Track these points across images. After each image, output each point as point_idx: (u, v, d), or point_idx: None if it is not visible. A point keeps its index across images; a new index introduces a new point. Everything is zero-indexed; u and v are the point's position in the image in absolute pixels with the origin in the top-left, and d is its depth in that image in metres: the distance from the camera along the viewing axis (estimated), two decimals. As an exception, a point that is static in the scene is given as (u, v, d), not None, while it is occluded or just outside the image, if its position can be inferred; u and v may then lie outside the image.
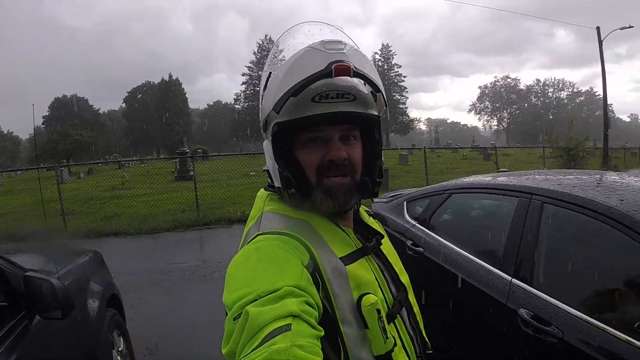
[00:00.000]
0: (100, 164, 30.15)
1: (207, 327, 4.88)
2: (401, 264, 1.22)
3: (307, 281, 0.87)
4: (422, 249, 3.34)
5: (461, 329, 2.84)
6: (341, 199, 1.02)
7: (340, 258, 0.99)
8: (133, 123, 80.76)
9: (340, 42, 0.97)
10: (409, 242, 3.49)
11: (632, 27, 26.73)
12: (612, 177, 2.89)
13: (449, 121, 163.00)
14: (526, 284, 2.39)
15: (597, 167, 21.20)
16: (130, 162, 29.72)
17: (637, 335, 1.87)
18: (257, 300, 0.79)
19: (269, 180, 1.14)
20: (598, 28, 25.94)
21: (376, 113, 1.07)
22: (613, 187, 2.53)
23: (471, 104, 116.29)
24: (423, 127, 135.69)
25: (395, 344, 1.00)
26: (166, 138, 72.72)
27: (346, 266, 0.99)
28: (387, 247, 1.20)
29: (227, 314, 0.84)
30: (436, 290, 2.98)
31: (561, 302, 2.19)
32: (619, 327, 1.96)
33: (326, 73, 0.92)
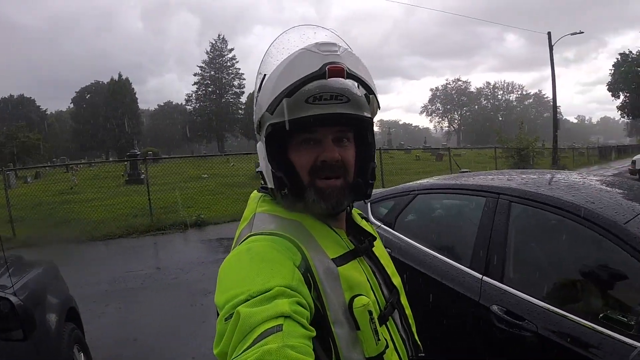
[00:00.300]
0: (47, 168, 28.80)
1: (168, 337, 4.79)
2: (393, 266, 1.22)
3: (299, 281, 0.87)
4: (389, 250, 3.32)
5: (436, 328, 2.85)
6: (334, 201, 1.02)
7: (332, 259, 0.99)
8: (81, 124, 78.17)
9: (334, 44, 0.99)
10: (375, 244, 3.48)
11: (583, 32, 28.05)
12: (574, 176, 3.02)
13: (401, 123, 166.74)
14: (497, 280, 2.43)
15: (547, 166, 22.10)
16: (79, 166, 28.56)
17: (603, 324, 1.99)
18: (248, 300, 0.79)
19: (262, 181, 1.15)
20: (549, 33, 27.18)
21: (369, 115, 1.09)
22: (577, 187, 2.67)
23: (423, 105, 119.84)
24: (376, 128, 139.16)
25: (387, 346, 1.00)
26: (116, 140, 70.42)
27: (338, 267, 0.99)
28: (379, 249, 1.20)
29: (218, 314, 0.84)
30: (407, 291, 2.95)
31: (533, 297, 2.25)
32: (587, 317, 2.05)
33: (320, 74, 0.93)
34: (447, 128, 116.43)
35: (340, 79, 0.97)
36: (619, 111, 47.08)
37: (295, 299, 0.81)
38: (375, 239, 1.19)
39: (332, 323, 0.93)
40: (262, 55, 1.14)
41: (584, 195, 2.47)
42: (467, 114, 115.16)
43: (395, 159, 24.69)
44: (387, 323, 1.07)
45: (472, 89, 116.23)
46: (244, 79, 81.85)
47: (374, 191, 4.37)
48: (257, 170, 1.14)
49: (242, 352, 0.71)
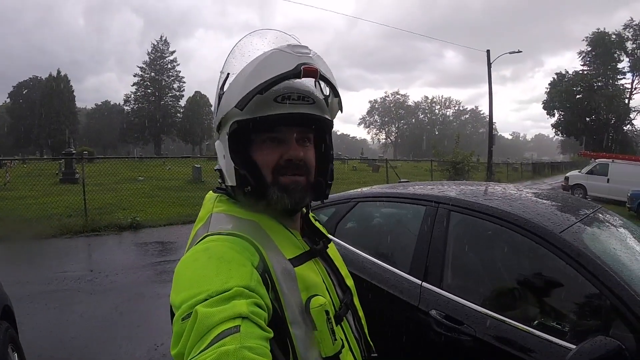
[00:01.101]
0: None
1: (103, 340, 4.71)
2: (346, 268, 1.24)
3: (257, 282, 0.87)
4: None
5: (376, 333, 2.90)
6: (297, 196, 1.03)
7: (289, 260, 1.01)
8: (17, 120, 74.88)
9: (306, 46, 1.02)
10: (318, 249, 3.50)
11: (521, 52, 29.47)
12: (510, 189, 3.19)
13: (339, 133, 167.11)
14: (436, 286, 2.49)
15: (482, 180, 22.87)
16: (13, 162, 26.97)
17: (539, 328, 2.11)
18: (207, 300, 0.78)
19: (219, 180, 1.15)
20: (488, 51, 28.36)
21: (330, 117, 1.12)
22: (513, 198, 2.82)
23: (361, 117, 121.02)
24: None
25: (342, 346, 1.02)
26: (51, 138, 67.28)
27: (295, 268, 1.00)
28: (332, 250, 1.22)
29: (173, 314, 0.84)
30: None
31: (471, 302, 2.33)
32: (524, 323, 2.15)
33: (295, 73, 0.95)
34: (384, 140, 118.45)
35: (305, 81, 1.01)
36: (554, 129, 49.50)
37: (253, 300, 0.81)
38: (329, 240, 1.21)
39: (290, 323, 0.94)
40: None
41: (520, 206, 2.61)
42: (405, 127, 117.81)
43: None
44: (342, 323, 1.08)
45: (410, 102, 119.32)
46: (184, 82, 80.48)
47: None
48: (215, 168, 1.15)
49: (199, 353, 0.71)
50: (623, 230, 2.89)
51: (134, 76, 78.59)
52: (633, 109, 45.28)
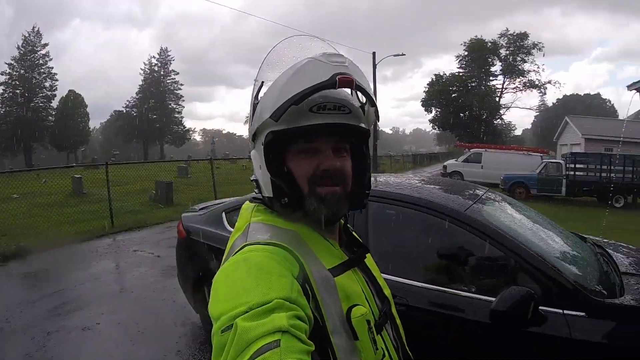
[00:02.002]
0: None
1: None
2: (383, 278, 1.23)
3: (298, 293, 0.86)
4: None
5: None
6: (334, 207, 1.02)
7: (328, 270, 1.00)
8: None
9: (342, 55, 1.01)
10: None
11: (404, 54, 31.46)
12: (413, 179, 3.86)
13: (224, 132, 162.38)
14: None
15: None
16: None
17: (463, 290, 2.65)
18: (247, 312, 0.77)
19: (255, 190, 1.14)
20: (374, 53, 29.84)
21: (366, 127, 1.10)
22: (418, 186, 3.37)
23: (247, 115, 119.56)
24: (198, 138, 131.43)
25: (384, 355, 1.03)
26: None
27: (335, 278, 0.99)
28: (369, 260, 1.21)
29: (211, 325, 0.82)
30: None
31: (400, 277, 2.74)
32: (450, 286, 2.68)
33: (330, 84, 0.94)
34: None
35: (342, 90, 1.00)
36: (431, 124, 53.55)
37: (293, 312, 0.80)
38: (367, 250, 1.20)
39: (331, 333, 0.93)
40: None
41: (426, 192, 3.10)
42: None
43: (222, 169, 24.01)
44: (382, 333, 1.08)
45: None
46: (57, 80, 67.17)
47: (228, 200, 4.49)
48: (251, 179, 1.13)
49: None
50: (507, 205, 3.56)
51: (1, 74, 63.55)
52: (503, 106, 51.10)
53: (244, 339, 0.73)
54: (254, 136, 1.09)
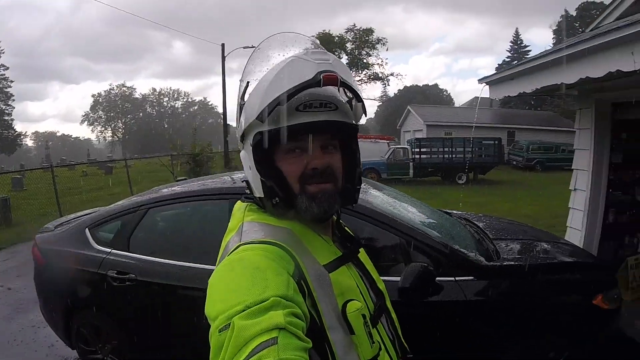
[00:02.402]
0: None
1: None
2: (376, 272, 1.23)
3: (294, 291, 0.86)
4: (134, 275, 3.12)
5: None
6: (326, 204, 1.01)
7: (323, 266, 1.00)
8: None
9: (326, 52, 1.01)
10: (112, 273, 3.18)
11: (255, 47, 30.98)
12: None
13: (59, 134, 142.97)
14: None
15: (221, 169, 23.44)
16: None
17: None
18: (244, 311, 0.77)
19: (246, 190, 1.13)
20: (223, 45, 28.66)
21: (354, 122, 1.09)
22: None
23: (84, 114, 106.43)
24: (30, 142, 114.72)
25: (380, 349, 1.03)
26: None
27: (330, 274, 1.00)
28: (363, 255, 1.22)
29: (207, 325, 0.82)
30: (171, 311, 3.07)
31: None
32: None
33: (315, 82, 0.93)
34: (110, 138, 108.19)
35: (328, 87, 0.98)
36: None
37: (290, 310, 0.79)
38: (360, 245, 1.21)
39: (328, 329, 0.93)
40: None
41: None
42: (132, 121, 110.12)
43: (61, 177, 20.84)
44: (377, 326, 1.09)
45: (138, 95, 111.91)
46: None
47: (86, 213, 3.96)
48: (242, 179, 1.13)
49: None
50: (378, 190, 3.67)
51: None
52: None
53: (242, 337, 0.73)
54: (242, 137, 1.09)
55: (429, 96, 74.71)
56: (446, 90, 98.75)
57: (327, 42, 48.04)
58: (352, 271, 1.10)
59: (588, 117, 5.03)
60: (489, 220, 4.39)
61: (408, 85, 76.96)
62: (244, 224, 1.05)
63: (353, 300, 1.00)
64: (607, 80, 3.62)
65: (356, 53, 48.74)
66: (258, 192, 1.04)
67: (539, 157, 26.68)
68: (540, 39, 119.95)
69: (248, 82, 1.09)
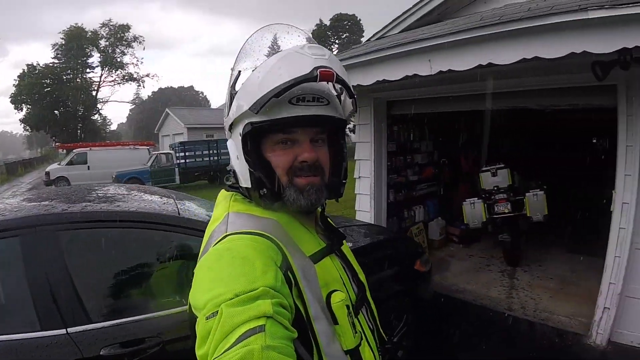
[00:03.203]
0: None
1: None
2: (358, 264, 1.25)
3: (282, 282, 0.87)
4: None
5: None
6: (313, 197, 1.03)
7: (308, 257, 1.03)
8: None
9: (322, 47, 1.01)
10: None
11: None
12: (112, 190, 3.01)
13: None
14: (87, 324, 2.08)
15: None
16: None
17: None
18: (233, 299, 0.78)
19: (232, 179, 1.13)
20: None
21: (343, 117, 1.10)
22: (115, 198, 2.70)
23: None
24: None
25: (361, 338, 1.05)
26: None
27: (315, 265, 1.02)
28: (345, 247, 1.24)
29: (190, 315, 0.86)
30: None
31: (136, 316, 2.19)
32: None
33: (312, 77, 0.94)
34: None
35: (322, 81, 0.97)
36: (23, 124, 45.66)
37: (278, 300, 0.81)
38: (344, 236, 1.22)
39: (313, 319, 0.94)
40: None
41: (128, 204, 2.57)
42: None
43: None
44: (358, 316, 1.11)
45: None
46: None
47: None
48: (228, 168, 1.13)
49: (224, 352, 0.71)
50: (186, 200, 3.19)
51: None
52: (100, 100, 48.13)
53: (229, 324, 0.74)
54: (231, 126, 1.09)
55: (184, 98, 73.65)
56: (202, 92, 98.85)
57: (78, 37, 43.40)
58: (335, 262, 1.13)
59: (367, 114, 5.84)
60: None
61: (163, 87, 74.31)
62: (230, 214, 1.05)
63: (337, 291, 1.02)
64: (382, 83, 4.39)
65: (110, 51, 45.25)
66: (245, 182, 1.05)
67: None
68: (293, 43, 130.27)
69: (240, 71, 1.08)
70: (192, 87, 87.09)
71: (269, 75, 0.96)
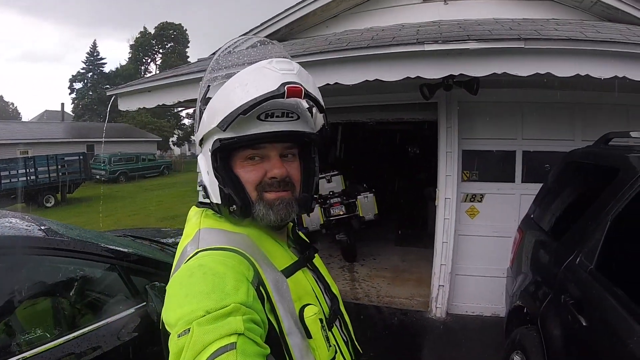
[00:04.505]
0: None
1: None
2: (330, 276, 1.24)
3: (254, 298, 0.87)
4: None
5: None
6: (282, 212, 1.03)
7: (280, 271, 1.02)
8: None
9: (290, 62, 0.99)
10: None
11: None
12: None
13: None
14: None
15: None
16: None
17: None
18: (204, 316, 0.78)
19: (202, 195, 1.11)
20: None
21: (314, 131, 1.09)
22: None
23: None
24: None
25: (336, 352, 1.05)
26: None
27: (287, 279, 1.01)
28: (317, 259, 1.22)
29: (164, 332, 0.84)
30: None
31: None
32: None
33: (279, 94, 0.93)
34: None
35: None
36: None
37: (249, 317, 0.81)
38: (316, 250, 1.22)
39: (287, 334, 0.93)
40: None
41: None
42: None
43: None
44: (332, 329, 1.10)
45: None
46: None
47: None
48: (199, 183, 1.11)
49: None
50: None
51: None
52: None
53: (201, 342, 0.75)
54: (201, 141, 1.08)
55: None
56: (13, 103, 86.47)
57: None
58: (307, 275, 1.13)
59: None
60: (151, 231, 4.43)
61: None
62: (201, 230, 1.04)
63: (310, 304, 1.02)
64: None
65: None
66: (215, 199, 1.04)
67: (122, 169, 27.07)
68: (116, 51, 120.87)
69: (209, 86, 1.08)
70: (1, 97, 75.71)
71: (236, 91, 0.96)
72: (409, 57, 3.57)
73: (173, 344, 0.77)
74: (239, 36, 1.20)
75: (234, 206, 1.01)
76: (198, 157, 1.11)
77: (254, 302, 0.86)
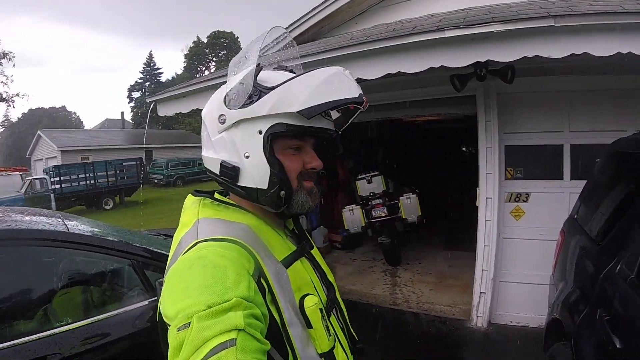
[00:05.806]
0: None
1: None
2: (326, 265, 1.26)
3: (255, 291, 0.85)
4: None
5: None
6: (317, 200, 1.10)
7: (280, 261, 1.02)
8: None
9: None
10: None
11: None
12: None
13: None
14: None
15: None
16: None
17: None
18: (205, 310, 0.76)
19: (222, 179, 1.07)
20: None
21: None
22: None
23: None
24: None
25: (335, 340, 1.05)
26: None
27: (287, 269, 1.01)
28: (314, 249, 1.25)
29: (162, 324, 0.85)
30: None
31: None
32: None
33: (360, 101, 1.01)
34: None
35: None
36: None
37: (250, 312, 0.80)
38: (312, 245, 1.24)
39: (288, 325, 0.93)
40: None
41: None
42: None
43: None
44: (330, 318, 1.10)
45: None
46: None
47: None
48: (222, 163, 1.05)
49: None
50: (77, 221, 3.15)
51: None
52: None
53: (200, 337, 0.73)
54: (239, 121, 1.02)
55: (56, 119, 67.17)
56: (75, 113, 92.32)
57: None
58: (306, 265, 1.13)
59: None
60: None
61: (33, 107, 67.55)
62: (200, 220, 1.03)
63: (309, 294, 1.03)
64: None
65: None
66: (259, 183, 1.02)
67: (179, 173, 28.49)
68: (172, 61, 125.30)
69: (260, 66, 1.04)
70: (64, 107, 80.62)
71: (325, 86, 0.98)
72: (430, 45, 3.31)
73: (172, 337, 0.77)
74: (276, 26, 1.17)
75: (283, 192, 1.03)
76: (223, 135, 1.05)
77: (254, 295, 0.85)
